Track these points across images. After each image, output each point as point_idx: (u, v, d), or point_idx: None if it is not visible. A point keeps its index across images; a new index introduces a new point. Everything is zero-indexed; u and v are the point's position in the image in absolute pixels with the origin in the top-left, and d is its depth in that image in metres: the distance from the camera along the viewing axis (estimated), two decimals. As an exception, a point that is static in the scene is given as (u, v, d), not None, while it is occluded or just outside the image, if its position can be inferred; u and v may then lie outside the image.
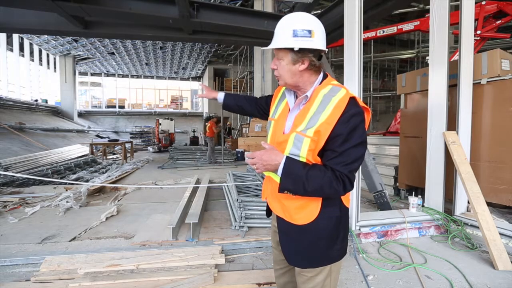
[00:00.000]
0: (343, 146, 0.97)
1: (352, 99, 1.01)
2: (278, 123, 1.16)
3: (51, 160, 8.13)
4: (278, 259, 1.32)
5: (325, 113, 0.99)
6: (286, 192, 1.04)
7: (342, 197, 1.10)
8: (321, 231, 1.08)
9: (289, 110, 1.16)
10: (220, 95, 1.54)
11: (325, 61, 4.56)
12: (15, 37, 14.92)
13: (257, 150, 1.08)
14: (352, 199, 2.77)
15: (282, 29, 1.03)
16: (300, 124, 1.04)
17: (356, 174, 1.03)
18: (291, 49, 1.01)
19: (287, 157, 1.02)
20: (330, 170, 0.98)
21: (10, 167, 6.35)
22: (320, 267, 1.11)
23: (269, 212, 1.32)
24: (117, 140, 10.83)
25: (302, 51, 1.02)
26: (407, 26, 7.33)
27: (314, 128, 0.99)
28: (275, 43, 1.03)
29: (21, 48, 15.56)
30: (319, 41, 1.02)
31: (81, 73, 22.82)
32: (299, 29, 1.00)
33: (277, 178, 1.08)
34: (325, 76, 1.11)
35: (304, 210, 1.07)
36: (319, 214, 1.06)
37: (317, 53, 1.04)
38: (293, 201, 1.08)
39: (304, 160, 1.03)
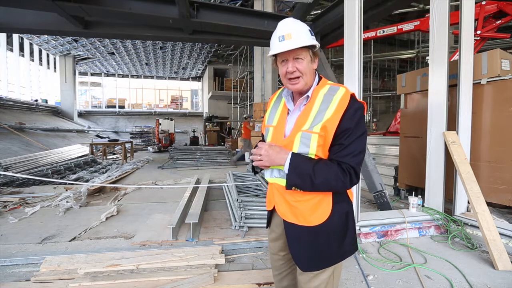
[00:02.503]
0: (350, 139, 1.00)
1: (353, 96, 1.05)
2: (277, 129, 1.16)
3: (51, 160, 8.13)
4: (278, 265, 1.31)
5: (329, 110, 1.02)
6: (293, 188, 1.04)
7: (348, 192, 1.13)
8: (334, 228, 1.09)
9: (288, 114, 1.16)
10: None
11: (325, 61, 4.55)
12: (15, 37, 14.91)
13: (256, 148, 1.09)
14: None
15: (299, 29, 1.05)
16: (304, 124, 1.05)
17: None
18: (309, 48, 1.06)
19: (293, 153, 1.04)
20: (336, 164, 1.00)
21: (10, 167, 6.35)
22: None
23: (269, 223, 1.32)
24: (117, 140, 10.82)
25: (315, 50, 1.08)
26: (407, 26, 7.33)
27: (321, 124, 1.01)
28: (299, 42, 1.03)
29: (21, 48, 15.54)
30: None
31: (81, 73, 22.79)
32: (310, 30, 1.07)
33: (283, 182, 1.09)
34: (319, 77, 1.15)
35: (318, 210, 1.08)
36: (332, 211, 1.07)
37: None
38: (306, 203, 1.08)
39: (314, 157, 1.04)
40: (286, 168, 1.03)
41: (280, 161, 1.04)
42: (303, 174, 1.00)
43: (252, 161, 1.12)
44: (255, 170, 1.24)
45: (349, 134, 1.00)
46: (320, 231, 1.08)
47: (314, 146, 1.02)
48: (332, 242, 1.09)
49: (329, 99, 1.04)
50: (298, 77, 1.07)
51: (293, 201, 1.10)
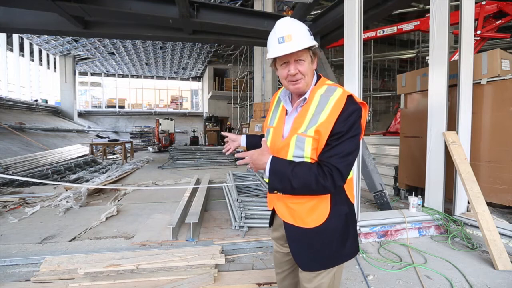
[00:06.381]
0: (339, 140, 0.98)
1: (350, 97, 1.02)
2: (277, 130, 1.16)
3: (51, 160, 8.13)
4: (280, 262, 1.31)
5: (324, 113, 1.00)
6: (275, 192, 1.05)
7: (348, 194, 1.11)
8: (333, 230, 1.08)
9: (286, 114, 1.16)
10: (243, 139, 1.44)
11: (325, 61, 4.56)
12: (15, 37, 14.91)
13: (242, 153, 1.09)
14: (352, 199, 2.77)
15: (299, 30, 1.02)
16: (301, 127, 1.04)
17: (355, 173, 1.04)
18: (309, 49, 1.04)
19: (273, 157, 1.03)
20: (317, 166, 0.99)
21: (10, 167, 6.35)
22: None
23: (271, 222, 1.32)
24: (117, 140, 10.82)
25: (314, 50, 1.06)
26: (407, 26, 7.33)
27: (315, 128, 1.00)
28: (301, 44, 1.00)
29: (21, 48, 15.54)
30: None
31: (81, 73, 22.79)
32: (308, 29, 1.05)
33: None
34: (318, 77, 1.13)
35: (314, 212, 1.07)
36: (329, 213, 1.06)
37: None
38: (303, 205, 1.08)
39: (309, 160, 1.03)
40: (266, 173, 1.03)
41: (262, 166, 1.04)
42: (283, 178, 1.00)
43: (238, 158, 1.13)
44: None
45: (339, 136, 0.98)
46: (318, 233, 1.08)
47: (308, 150, 1.01)
48: (331, 244, 1.08)
49: (325, 101, 1.02)
50: (299, 79, 1.05)
51: (291, 203, 1.10)
